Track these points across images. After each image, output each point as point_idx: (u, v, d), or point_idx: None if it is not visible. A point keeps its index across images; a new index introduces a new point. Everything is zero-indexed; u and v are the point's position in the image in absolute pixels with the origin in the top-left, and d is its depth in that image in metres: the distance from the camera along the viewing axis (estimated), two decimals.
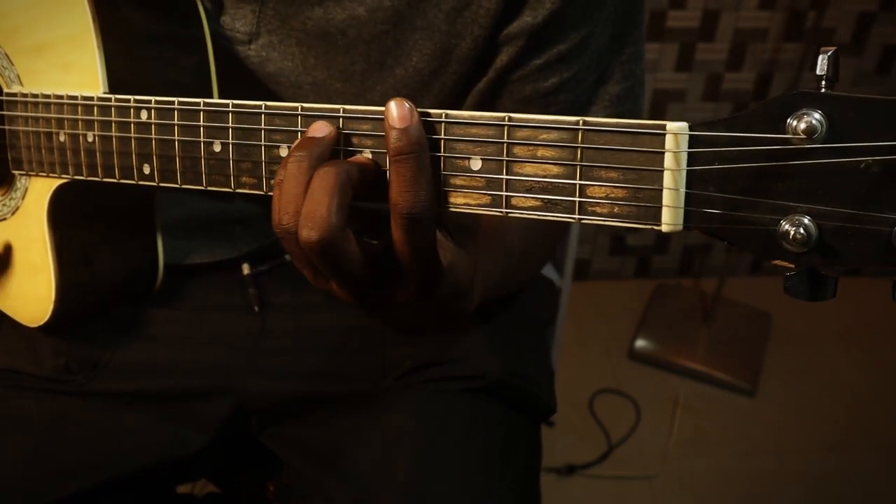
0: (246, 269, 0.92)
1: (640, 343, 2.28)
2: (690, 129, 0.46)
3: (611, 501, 1.90)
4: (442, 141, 0.55)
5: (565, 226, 0.76)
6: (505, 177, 0.53)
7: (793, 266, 0.45)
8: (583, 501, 1.89)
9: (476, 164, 0.54)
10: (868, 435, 2.06)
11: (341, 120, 0.57)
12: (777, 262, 0.45)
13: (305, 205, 0.54)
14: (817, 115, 0.42)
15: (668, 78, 2.24)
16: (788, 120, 0.43)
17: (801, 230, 0.43)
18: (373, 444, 0.83)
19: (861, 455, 2.00)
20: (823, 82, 0.43)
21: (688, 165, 0.46)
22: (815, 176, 0.43)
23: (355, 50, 0.77)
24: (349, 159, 0.57)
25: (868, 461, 1.99)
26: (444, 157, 0.55)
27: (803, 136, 0.43)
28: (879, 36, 2.24)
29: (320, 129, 0.57)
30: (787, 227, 0.44)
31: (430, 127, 0.55)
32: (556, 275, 1.72)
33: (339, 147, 0.58)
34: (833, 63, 0.43)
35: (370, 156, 0.57)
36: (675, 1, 2.13)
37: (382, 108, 0.54)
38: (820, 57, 0.43)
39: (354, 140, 0.58)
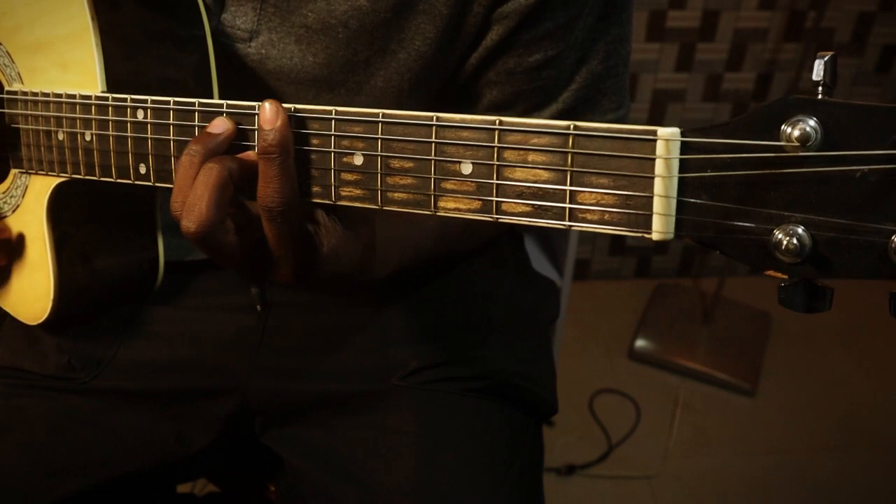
0: None
1: (640, 343, 2.27)
2: (682, 135, 0.45)
3: (611, 501, 1.90)
4: (433, 144, 0.54)
5: None
6: (496, 181, 0.52)
7: (786, 277, 0.44)
8: (583, 501, 1.89)
9: (467, 168, 0.53)
10: (868, 435, 2.05)
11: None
12: (770, 272, 0.44)
13: (189, 197, 0.57)
14: (812, 122, 0.41)
15: (668, 78, 2.24)
16: (783, 127, 0.42)
17: (795, 240, 0.42)
18: (377, 444, 0.84)
19: (861, 455, 2.00)
20: (820, 88, 0.42)
21: (679, 172, 0.45)
22: (809, 184, 0.42)
23: (358, 41, 0.77)
24: (237, 155, 0.59)
25: (868, 461, 1.98)
26: (435, 160, 0.54)
27: (797, 144, 0.41)
28: (879, 36, 2.23)
29: (218, 126, 0.60)
30: (780, 236, 0.43)
31: (422, 130, 0.54)
32: (556, 275, 1.71)
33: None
34: (830, 68, 0.42)
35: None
36: (675, 1, 2.12)
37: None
38: (816, 62, 0.42)
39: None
